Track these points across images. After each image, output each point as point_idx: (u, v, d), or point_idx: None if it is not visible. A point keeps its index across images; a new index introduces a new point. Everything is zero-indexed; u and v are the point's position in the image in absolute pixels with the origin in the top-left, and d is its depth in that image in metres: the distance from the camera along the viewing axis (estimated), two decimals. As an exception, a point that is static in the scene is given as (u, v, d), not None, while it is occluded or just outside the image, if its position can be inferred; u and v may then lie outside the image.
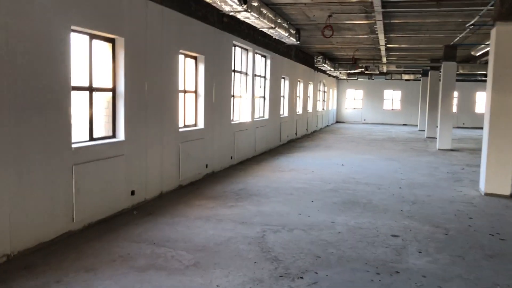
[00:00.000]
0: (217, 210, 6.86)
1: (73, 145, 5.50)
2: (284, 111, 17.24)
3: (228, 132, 10.88)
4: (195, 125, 9.35)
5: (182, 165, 8.35)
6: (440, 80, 28.87)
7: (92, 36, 6.00)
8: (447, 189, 9.00)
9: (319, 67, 20.94)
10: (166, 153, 7.80)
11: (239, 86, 12.25)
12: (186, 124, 8.94)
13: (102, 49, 6.38)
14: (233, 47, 11.26)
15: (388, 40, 14.89)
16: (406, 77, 29.98)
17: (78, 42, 5.87)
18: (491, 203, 7.86)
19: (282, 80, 16.69)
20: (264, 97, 14.48)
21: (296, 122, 19.04)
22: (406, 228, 6.15)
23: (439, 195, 8.36)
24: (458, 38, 13.73)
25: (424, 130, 26.83)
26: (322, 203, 7.49)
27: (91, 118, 6.09)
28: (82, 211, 5.61)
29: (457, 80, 27.03)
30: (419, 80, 30.68)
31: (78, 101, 5.98)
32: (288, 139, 17.67)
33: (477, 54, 14.65)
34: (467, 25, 11.02)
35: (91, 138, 6.08)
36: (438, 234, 5.94)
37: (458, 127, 29.72)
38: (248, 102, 12.63)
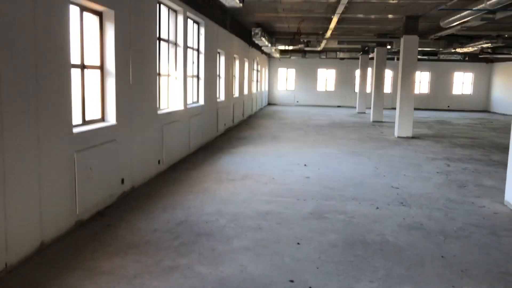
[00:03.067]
0: (144, 282, 3.76)
1: None
2: (221, 94, 14.16)
3: (154, 126, 7.66)
4: (102, 119, 6.04)
5: (80, 187, 5.08)
6: (396, 58, 27.34)
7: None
8: (463, 204, 6.56)
9: (256, 41, 17.97)
10: (47, 173, 4.49)
11: (167, 61, 8.99)
12: (86, 119, 5.61)
13: None
14: (158, 5, 7.96)
15: (347, 8, 12.27)
16: (341, 55, 27.98)
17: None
18: (541, 229, 5.51)
19: (218, 55, 13.56)
20: (198, 77, 11.30)
21: (233, 107, 16.04)
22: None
23: (466, 217, 5.88)
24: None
25: (364, 113, 25.21)
26: (316, 248, 4.64)
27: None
28: None
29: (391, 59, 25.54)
30: (355, 58, 28.95)
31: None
32: (226, 127, 14.65)
33: (448, 26, 12.54)
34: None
35: None
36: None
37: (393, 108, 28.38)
38: (179, 84, 9.41)
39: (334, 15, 12.88)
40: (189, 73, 10.36)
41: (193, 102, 10.92)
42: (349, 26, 17.15)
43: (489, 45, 16.53)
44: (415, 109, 30.77)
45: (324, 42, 21.01)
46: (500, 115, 26.86)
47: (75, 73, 5.22)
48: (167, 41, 8.87)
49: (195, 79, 11.14)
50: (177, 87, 9.35)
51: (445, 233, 5.22)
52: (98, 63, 5.88)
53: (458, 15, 11.29)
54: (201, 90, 11.36)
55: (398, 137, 14.33)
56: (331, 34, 18.57)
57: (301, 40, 19.57)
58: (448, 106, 30.75)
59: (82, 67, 5.40)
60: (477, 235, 5.20)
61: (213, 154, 10.23)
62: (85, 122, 5.54)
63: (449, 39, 18.31)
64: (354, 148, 11.85)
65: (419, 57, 26.84)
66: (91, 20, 5.77)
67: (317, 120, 20.12)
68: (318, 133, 14.95)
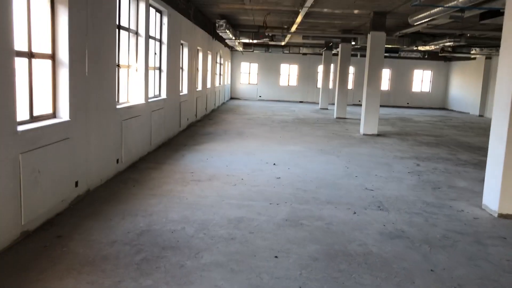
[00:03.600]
0: (101, 310, 3.21)
1: None
2: (184, 87, 13.50)
3: (113, 122, 6.99)
4: (54, 115, 5.35)
5: (26, 193, 4.42)
6: (357, 54, 27.32)
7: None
8: (441, 207, 6.32)
9: (221, 34, 17.36)
10: (-13, 179, 3.82)
11: (127, 51, 8.30)
12: (34, 116, 4.92)
13: None
14: (118, -10, 7.28)
15: (316, 2, 11.90)
16: (304, 50, 27.77)
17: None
18: (523, 235, 5.32)
19: (181, 47, 12.90)
20: (160, 69, 10.63)
21: (196, 101, 15.41)
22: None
23: (448, 223, 5.61)
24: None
25: (327, 109, 25.12)
26: (295, 262, 4.20)
27: None
28: None
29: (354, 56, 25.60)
30: (318, 54, 28.84)
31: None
32: (189, 122, 14.02)
33: (416, 23, 12.39)
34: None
35: None
36: None
37: (354, 104, 28.50)
38: (140, 76, 8.74)
39: (302, 8, 12.48)
40: (150, 64, 9.70)
41: (155, 96, 10.25)
42: (315, 21, 16.86)
43: (451, 43, 16.65)
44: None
45: (288, 36, 20.68)
46: (457, 112, 27.47)
47: (20, 63, 4.53)
48: (128, 29, 8.19)
49: (157, 72, 10.48)
50: (137, 79, 8.68)
51: (429, 242, 4.91)
52: (49, 52, 5.19)
53: (428, 12, 11.13)
54: (163, 83, 10.71)
55: (364, 134, 14.17)
56: (297, 28, 18.23)
57: (266, 34, 19.12)
58: (408, 103, 31.22)
59: (30, 55, 4.71)
60: (462, 244, 4.92)
61: (176, 151, 9.63)
62: (33, 119, 4.85)
63: (413, 37, 18.36)
64: (321, 145, 11.54)
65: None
66: (41, 3, 5.07)
67: (281, 115, 19.77)
68: (284, 129, 14.58)
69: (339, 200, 6.38)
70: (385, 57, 30.15)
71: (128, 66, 8.32)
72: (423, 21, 12.03)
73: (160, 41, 10.56)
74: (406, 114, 23.71)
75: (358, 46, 21.79)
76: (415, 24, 12.45)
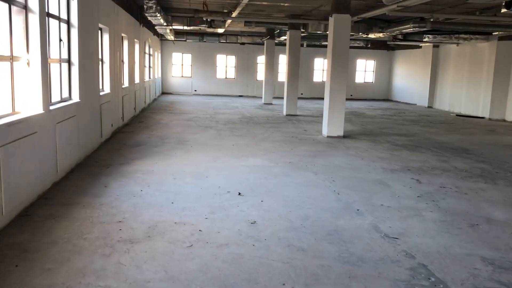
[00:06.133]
0: None
1: None
2: (106, 85, 10.52)
3: (-24, 153, 4.11)
4: None
5: None
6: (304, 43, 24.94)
7: None
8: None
9: (150, 18, 14.40)
10: None
11: (8, 36, 5.35)
12: None
13: None
14: None
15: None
16: (243, 39, 25.29)
17: None
18: None
19: (100, 32, 9.92)
20: (69, 62, 7.67)
21: (122, 101, 12.43)
22: None
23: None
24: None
25: (271, 104, 22.87)
26: None
27: None
28: None
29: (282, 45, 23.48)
30: (258, 44, 26.48)
31: None
32: (113, 129, 11.06)
33: (391, 3, 10.28)
34: None
35: None
36: None
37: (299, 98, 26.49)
38: (34, 73, 5.81)
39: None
40: (53, 55, 6.77)
41: (62, 100, 7.31)
42: (260, 3, 14.42)
43: (413, 30, 14.94)
44: (317, 98, 29.54)
45: (229, 22, 18.07)
46: (404, 104, 26.36)
47: None
48: (9, 0, 5.24)
49: (65, 66, 7.52)
50: (30, 78, 5.75)
51: None
52: None
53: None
54: (75, 81, 7.76)
55: (328, 136, 12.00)
56: (239, 13, 15.68)
57: (205, 19, 16.39)
58: (351, 95, 29.76)
59: None
60: None
61: (96, 177, 6.79)
62: None
63: (370, 22, 16.48)
64: (286, 155, 9.17)
65: (324, 43, 25.33)
66: None
67: (225, 113, 17.19)
68: (234, 133, 12.04)
69: (363, 270, 3.99)
70: (327, 46, 28.56)
71: (11, 59, 5.37)
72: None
73: (68, 22, 7.59)
74: (356, 108, 22.04)
75: (305, 34, 19.71)
76: (389, 4, 10.34)
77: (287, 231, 4.87)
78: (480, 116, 19.13)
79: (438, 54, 23.80)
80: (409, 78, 27.06)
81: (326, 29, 16.46)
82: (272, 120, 15.48)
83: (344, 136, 12.09)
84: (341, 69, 11.83)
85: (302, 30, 17.36)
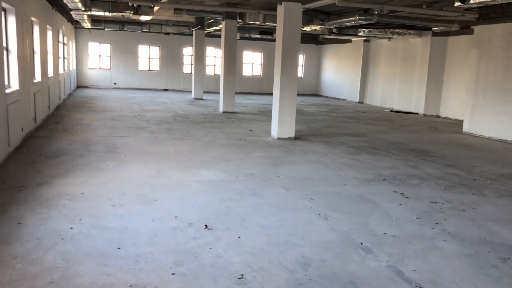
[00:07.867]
0: None
1: None
2: (12, 80, 8.43)
3: None
4: None
5: None
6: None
7: None
8: None
9: (65, 1, 12.26)
10: None
11: None
12: None
13: None
14: None
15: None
16: (168, 29, 23.38)
17: None
18: None
19: (4, 14, 7.85)
20: (-40, 50, 5.68)
21: (34, 98, 10.29)
22: None
23: None
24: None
25: (202, 99, 21.33)
26: None
27: None
28: None
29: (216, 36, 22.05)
30: (185, 34, 24.71)
31: None
32: (24, 134, 8.98)
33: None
34: None
35: None
36: None
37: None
38: None
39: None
40: None
41: (-48, 102, 5.35)
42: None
43: (357, 22, 14.22)
44: (248, 93, 28.41)
45: (156, 9, 16.20)
46: (334, 99, 26.04)
47: None
48: None
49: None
50: None
51: None
52: None
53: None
54: (-30, 77, 5.80)
55: (279, 138, 10.83)
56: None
57: (130, 5, 14.45)
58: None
59: None
60: None
61: (2, 210, 4.96)
62: None
63: (311, 14, 15.54)
64: (243, 165, 7.83)
65: (255, 36, 24.17)
66: None
67: (154, 111, 15.39)
68: (172, 136, 10.44)
69: None
70: (257, 39, 27.49)
71: None
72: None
73: (-42, -4, 5.60)
74: (291, 103, 21.16)
75: (242, 25, 18.41)
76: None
77: (286, 286, 3.55)
78: (414, 112, 19.09)
79: (369, 49, 23.64)
80: (339, 73, 26.79)
81: (265, 19, 15.27)
82: (210, 119, 14.01)
83: (295, 138, 10.98)
84: (292, 63, 10.67)
85: (238, 20, 15.98)
